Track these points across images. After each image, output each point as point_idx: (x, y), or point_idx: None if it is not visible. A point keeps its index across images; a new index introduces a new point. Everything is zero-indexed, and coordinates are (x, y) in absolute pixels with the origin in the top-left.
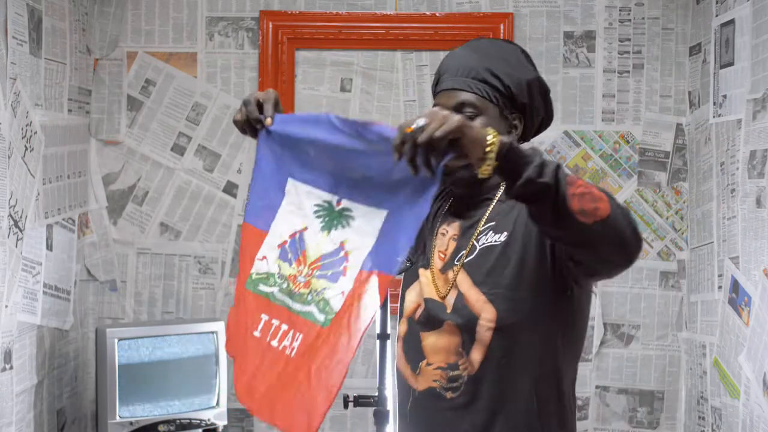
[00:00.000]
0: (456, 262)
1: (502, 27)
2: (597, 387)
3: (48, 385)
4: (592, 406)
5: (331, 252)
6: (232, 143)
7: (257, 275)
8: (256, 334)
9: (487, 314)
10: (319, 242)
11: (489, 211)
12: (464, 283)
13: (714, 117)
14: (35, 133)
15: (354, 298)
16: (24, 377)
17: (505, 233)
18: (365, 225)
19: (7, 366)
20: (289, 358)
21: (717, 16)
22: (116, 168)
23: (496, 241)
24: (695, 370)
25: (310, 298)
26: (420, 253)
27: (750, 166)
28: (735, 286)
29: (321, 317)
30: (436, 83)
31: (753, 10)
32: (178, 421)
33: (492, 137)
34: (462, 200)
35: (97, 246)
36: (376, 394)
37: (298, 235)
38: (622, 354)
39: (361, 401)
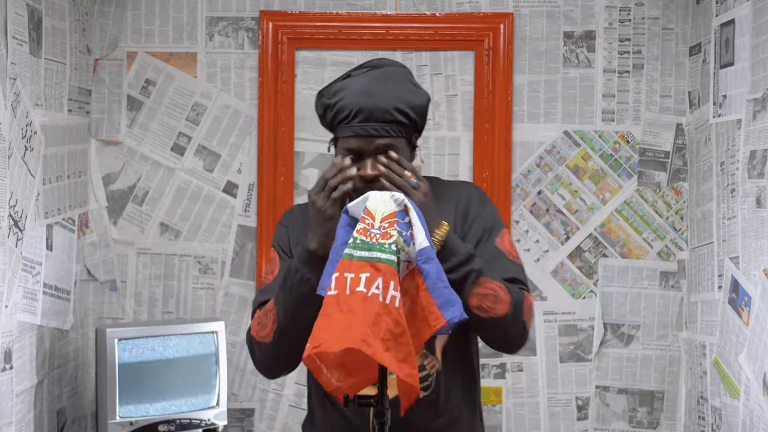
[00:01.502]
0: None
1: (502, 27)
2: (597, 387)
3: (48, 385)
4: (592, 406)
5: (399, 213)
6: (232, 143)
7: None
8: (331, 293)
9: None
10: (383, 199)
11: None
12: None
13: (714, 117)
14: (35, 133)
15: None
16: (24, 377)
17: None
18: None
19: (7, 366)
20: (384, 304)
21: (717, 16)
22: (116, 168)
23: None
24: (695, 370)
25: (395, 248)
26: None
27: (750, 166)
28: (735, 286)
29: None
30: (342, 120)
31: (753, 10)
32: (178, 421)
33: (444, 228)
34: None
35: (97, 246)
36: (376, 394)
37: (360, 208)
38: (622, 354)
39: (361, 401)
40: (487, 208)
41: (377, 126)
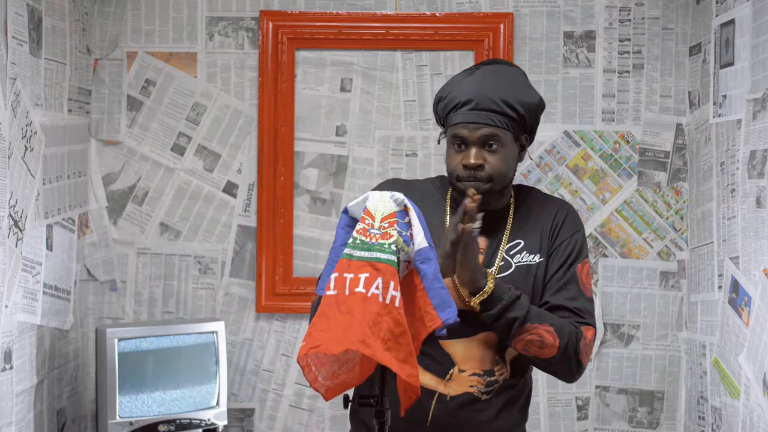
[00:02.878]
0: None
1: (502, 27)
2: (597, 387)
3: (48, 385)
4: (592, 406)
5: (399, 213)
6: (232, 143)
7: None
8: (330, 293)
9: None
10: (383, 199)
11: (509, 229)
12: None
13: (714, 117)
14: (35, 133)
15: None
16: (24, 377)
17: (538, 255)
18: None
19: (7, 366)
20: (385, 304)
21: (717, 16)
22: (116, 168)
23: (531, 261)
24: (695, 370)
25: (395, 248)
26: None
27: (750, 166)
28: (735, 286)
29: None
30: (452, 109)
31: (753, 10)
32: (178, 421)
33: (491, 279)
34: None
35: (97, 246)
36: (377, 394)
37: (360, 208)
38: (622, 354)
39: (361, 401)
40: (577, 234)
41: (483, 114)
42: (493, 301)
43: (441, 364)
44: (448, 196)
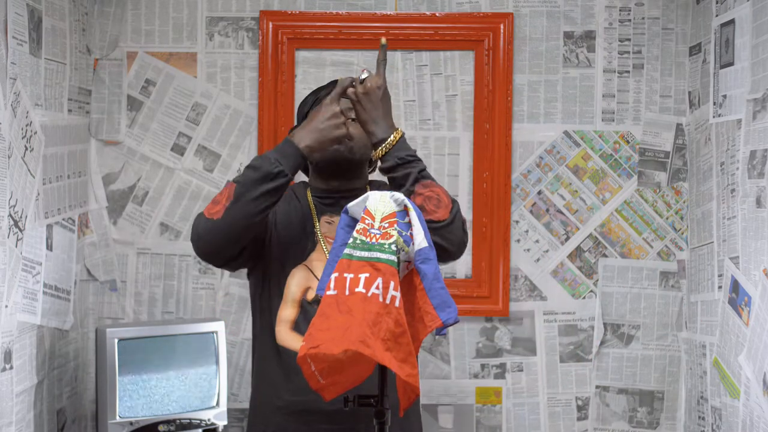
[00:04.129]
0: None
1: (502, 27)
2: (597, 387)
3: (48, 385)
4: (592, 406)
5: (399, 213)
6: (232, 143)
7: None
8: (330, 293)
9: None
10: (383, 199)
11: None
12: None
13: (714, 117)
14: (35, 133)
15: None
16: (24, 377)
17: None
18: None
19: (7, 366)
20: (384, 304)
21: (717, 16)
22: (116, 168)
23: None
24: (695, 370)
25: (395, 248)
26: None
27: (750, 166)
28: (735, 286)
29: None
30: (314, 101)
31: (753, 10)
32: (178, 421)
33: (399, 132)
34: (343, 195)
35: (97, 246)
36: (377, 394)
37: (360, 208)
38: (622, 354)
39: (361, 401)
40: None
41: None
42: (398, 149)
43: None
44: (309, 198)
